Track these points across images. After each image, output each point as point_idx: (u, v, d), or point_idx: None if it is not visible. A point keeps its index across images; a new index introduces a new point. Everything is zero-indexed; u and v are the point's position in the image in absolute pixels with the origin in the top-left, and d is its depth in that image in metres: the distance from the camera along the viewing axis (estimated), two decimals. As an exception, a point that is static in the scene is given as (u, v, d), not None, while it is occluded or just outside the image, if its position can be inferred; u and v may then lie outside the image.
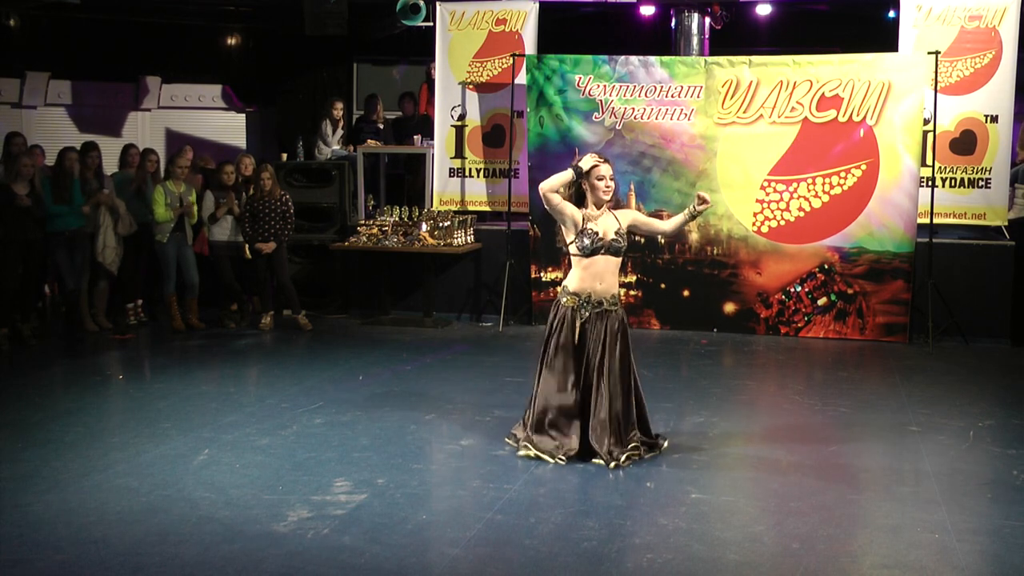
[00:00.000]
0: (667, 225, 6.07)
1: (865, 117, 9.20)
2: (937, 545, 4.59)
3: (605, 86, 9.72)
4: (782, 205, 9.45)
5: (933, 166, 9.32)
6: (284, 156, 11.34)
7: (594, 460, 5.65)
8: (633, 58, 9.73)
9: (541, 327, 5.97)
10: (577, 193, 5.72)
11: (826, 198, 9.35)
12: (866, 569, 4.41)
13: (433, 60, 10.93)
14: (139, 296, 9.95)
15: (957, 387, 7.66)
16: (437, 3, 10.69)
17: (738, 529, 4.80)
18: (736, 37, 11.32)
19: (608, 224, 5.71)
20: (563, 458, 5.64)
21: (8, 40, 12.19)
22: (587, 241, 5.64)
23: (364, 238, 10.15)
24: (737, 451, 6.10)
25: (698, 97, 9.55)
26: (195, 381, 7.65)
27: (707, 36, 10.69)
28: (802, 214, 9.42)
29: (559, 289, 5.89)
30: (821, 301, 9.47)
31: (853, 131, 9.23)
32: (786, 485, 5.42)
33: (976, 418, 6.72)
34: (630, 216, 5.90)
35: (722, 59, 9.62)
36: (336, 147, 11.52)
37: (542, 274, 10.03)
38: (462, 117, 10.70)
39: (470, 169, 10.74)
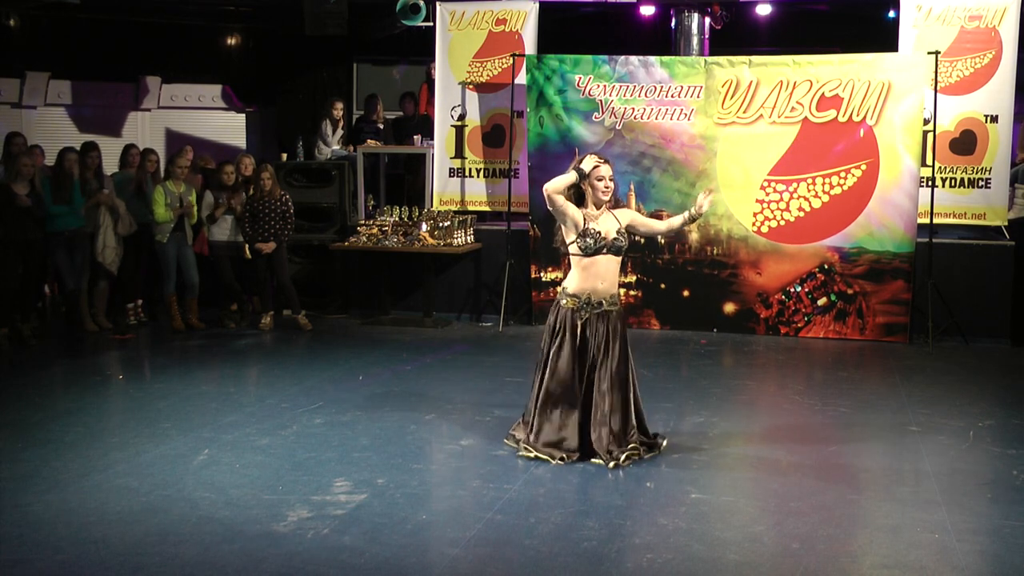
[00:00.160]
0: (663, 225, 6.12)
1: (865, 117, 9.20)
2: (937, 545, 4.59)
3: (605, 86, 9.72)
4: (782, 205, 9.45)
5: (933, 166, 9.32)
6: (284, 156, 11.35)
7: (594, 460, 5.65)
8: (633, 58, 9.74)
9: (541, 327, 5.97)
10: (577, 193, 5.73)
11: (826, 198, 9.35)
12: (866, 569, 4.41)
13: (433, 60, 10.93)
14: (139, 296, 9.95)
15: (957, 387, 7.66)
16: (437, 3, 10.69)
17: (738, 529, 4.80)
18: (736, 37, 11.32)
19: (609, 224, 5.71)
20: (564, 459, 5.64)
21: (8, 40, 12.20)
22: (590, 241, 5.65)
23: (364, 238, 10.15)
24: (737, 451, 6.10)
25: (698, 97, 9.55)
26: (195, 381, 7.65)
27: (707, 36, 10.70)
28: (802, 214, 9.42)
29: (558, 290, 5.89)
30: (821, 301, 9.47)
31: (853, 131, 9.23)
32: (786, 485, 5.42)
33: (976, 418, 6.72)
34: (629, 216, 5.91)
35: (722, 59, 9.62)
36: (336, 147, 11.53)
37: (542, 274, 10.03)
38: (462, 117, 10.70)
39: (470, 169, 10.74)
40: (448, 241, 9.93)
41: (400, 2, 10.56)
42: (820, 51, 9.98)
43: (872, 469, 5.77)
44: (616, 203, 5.86)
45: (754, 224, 9.51)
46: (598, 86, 9.74)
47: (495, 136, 10.61)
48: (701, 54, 10.49)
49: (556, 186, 5.64)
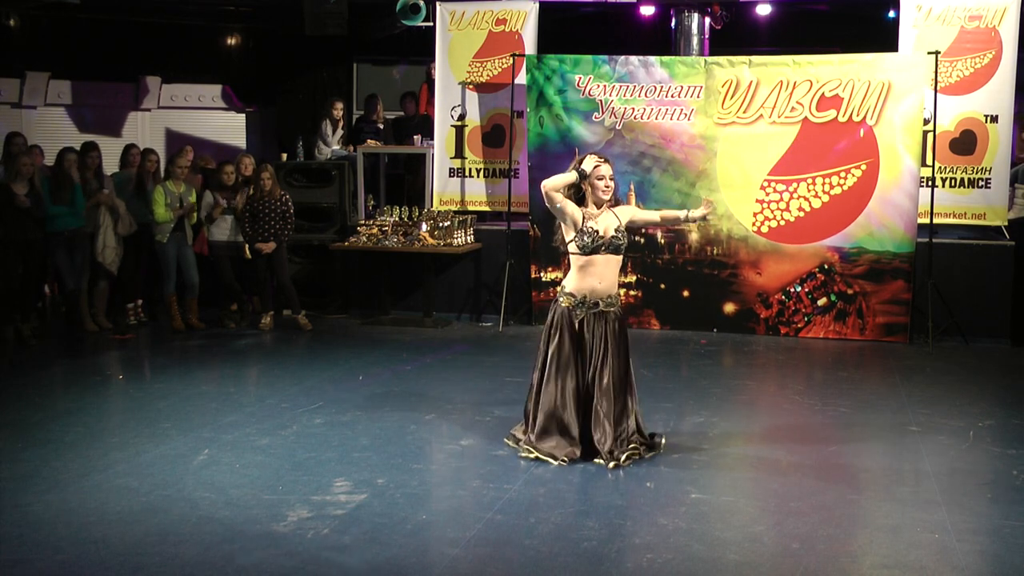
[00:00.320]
0: (657, 216, 6.24)
1: (865, 117, 9.20)
2: (937, 545, 4.59)
3: (605, 86, 9.72)
4: (782, 205, 9.45)
5: (933, 166, 9.32)
6: (284, 156, 11.35)
7: (594, 460, 5.65)
8: (633, 58, 9.74)
9: (541, 327, 5.97)
10: (577, 193, 5.74)
11: (826, 198, 9.35)
12: (866, 569, 4.41)
13: (433, 60, 10.93)
14: (139, 296, 9.95)
15: (957, 387, 7.66)
16: (437, 3, 10.69)
17: (738, 529, 4.80)
18: (736, 37, 11.32)
19: (608, 222, 5.71)
20: (565, 459, 5.64)
21: (8, 40, 12.20)
22: (587, 239, 5.65)
23: (364, 238, 10.15)
24: (737, 451, 6.10)
25: (698, 97, 9.55)
26: (195, 381, 7.65)
27: (707, 36, 10.69)
28: (802, 214, 9.42)
29: (558, 290, 5.89)
30: (821, 301, 9.47)
31: (853, 131, 9.23)
32: (786, 485, 5.42)
33: (976, 418, 6.72)
34: (629, 213, 5.92)
35: (722, 59, 9.62)
36: (336, 147, 11.52)
37: (542, 274, 10.03)
38: (462, 117, 10.70)
39: (470, 169, 10.74)
40: (448, 241, 9.93)
41: (400, 2, 10.56)
42: (820, 51, 9.98)
43: (872, 469, 5.77)
44: (616, 203, 5.87)
45: (754, 224, 9.51)
46: (598, 86, 9.74)
47: (495, 136, 10.61)
48: (701, 54, 10.49)
49: (554, 184, 5.65)
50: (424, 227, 9.99)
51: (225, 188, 9.86)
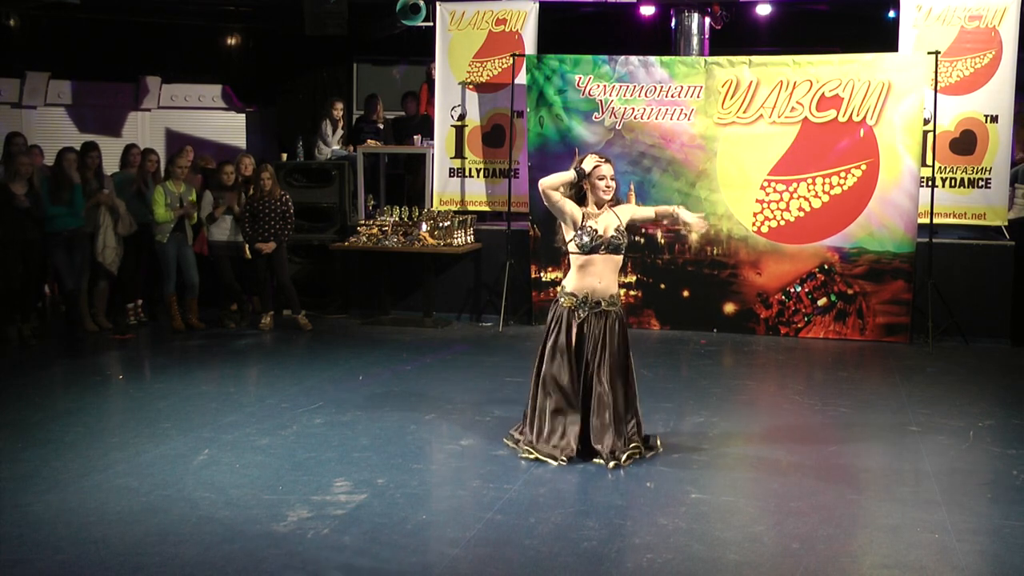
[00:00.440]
0: (652, 211, 6.16)
1: (865, 117, 9.20)
2: (937, 545, 4.59)
3: (605, 86, 9.72)
4: (782, 205, 9.45)
5: (933, 166, 9.32)
6: (284, 156, 11.35)
7: (594, 460, 5.65)
8: (633, 58, 9.74)
9: (541, 327, 5.97)
10: (578, 192, 5.74)
11: (826, 198, 9.35)
12: (866, 569, 4.41)
13: (433, 60, 10.93)
14: (139, 296, 9.95)
15: (957, 387, 7.66)
16: (437, 3, 10.69)
17: (738, 529, 4.80)
18: (736, 37, 11.32)
19: (608, 221, 5.71)
20: (564, 459, 5.64)
21: (8, 40, 12.20)
22: (586, 238, 5.64)
23: (364, 238, 10.15)
24: (737, 451, 6.10)
25: (698, 97, 9.55)
26: (195, 381, 7.65)
27: (707, 36, 10.70)
28: (802, 214, 9.42)
29: (558, 290, 5.89)
30: (821, 301, 9.47)
31: (853, 131, 9.23)
32: (786, 485, 5.42)
33: (976, 418, 6.72)
34: (629, 212, 5.91)
35: (722, 59, 9.62)
36: (336, 147, 11.52)
37: (542, 274, 10.03)
38: (462, 117, 10.70)
39: (470, 169, 10.74)
40: (448, 241, 9.93)
41: (400, 2, 10.56)
42: (820, 51, 9.99)
43: (872, 469, 5.77)
44: (616, 203, 5.86)
45: (754, 224, 9.51)
46: (598, 86, 9.75)
47: (495, 136, 10.62)
48: (701, 54, 10.49)
49: (551, 182, 5.64)
50: (424, 227, 10.00)
51: (225, 188, 9.86)
